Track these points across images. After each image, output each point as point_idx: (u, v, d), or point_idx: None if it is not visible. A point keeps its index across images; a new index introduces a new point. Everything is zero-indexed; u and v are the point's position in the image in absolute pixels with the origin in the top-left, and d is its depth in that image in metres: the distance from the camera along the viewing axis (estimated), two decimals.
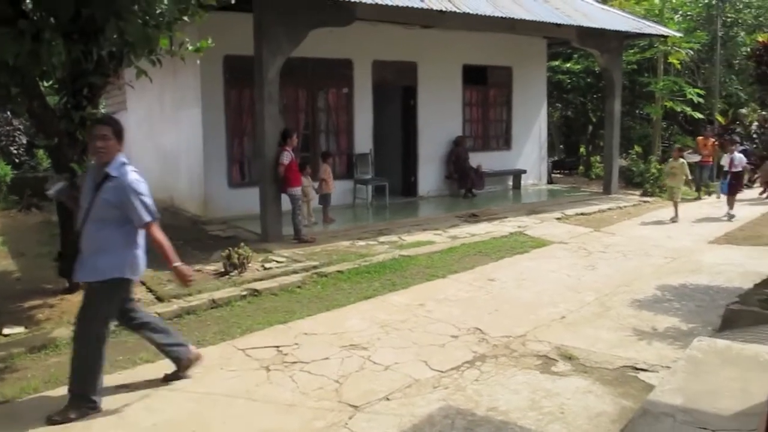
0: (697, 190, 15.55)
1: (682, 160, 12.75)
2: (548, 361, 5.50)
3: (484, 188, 15.23)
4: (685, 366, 4.35)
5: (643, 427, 3.59)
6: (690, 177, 13.19)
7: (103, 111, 15.97)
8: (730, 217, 12.33)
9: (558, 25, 12.89)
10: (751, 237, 10.54)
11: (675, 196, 12.56)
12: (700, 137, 16.35)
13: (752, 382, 3.93)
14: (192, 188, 12.64)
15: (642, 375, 5.15)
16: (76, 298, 7.22)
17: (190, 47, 7.25)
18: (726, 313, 6.14)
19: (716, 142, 15.77)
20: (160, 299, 7.28)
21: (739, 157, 12.87)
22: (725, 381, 4.01)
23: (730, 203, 12.55)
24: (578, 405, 4.64)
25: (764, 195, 14.80)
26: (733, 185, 12.76)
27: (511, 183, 16.53)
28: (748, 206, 13.65)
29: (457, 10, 11.02)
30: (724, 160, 13.33)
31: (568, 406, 4.63)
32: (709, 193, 15.63)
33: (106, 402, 4.83)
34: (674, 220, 12.17)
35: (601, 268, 8.77)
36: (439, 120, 14.85)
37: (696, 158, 15.38)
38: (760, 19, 19.85)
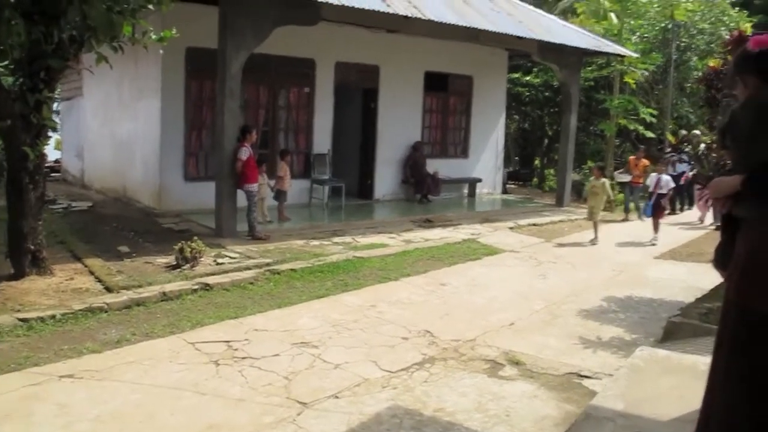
0: (626, 211, 14.98)
1: (603, 179, 12.22)
2: (496, 366, 5.59)
3: (440, 194, 15.36)
4: (627, 374, 4.48)
5: (586, 431, 3.69)
6: (612, 197, 12.65)
7: (58, 95, 15.71)
8: (653, 241, 11.91)
9: (520, 38, 13.11)
10: (695, 254, 10.86)
11: (595, 216, 11.94)
12: (632, 157, 15.86)
13: (689, 390, 4.07)
14: (146, 179, 12.46)
15: (586, 381, 5.28)
16: (22, 285, 7.10)
17: (153, 36, 7.18)
18: (667, 325, 6.34)
19: (647, 163, 15.18)
20: (109, 290, 7.17)
21: (666, 180, 12.28)
22: (664, 389, 4.15)
23: (656, 226, 12.14)
24: (524, 408, 4.74)
25: (703, 219, 14.50)
26: (658, 208, 12.24)
27: (466, 191, 16.71)
28: (685, 230, 13.67)
29: (422, 17, 11.13)
30: (650, 181, 12.73)
31: (514, 409, 4.72)
32: (640, 216, 14.90)
33: (51, 391, 4.75)
34: (594, 242, 11.65)
35: (551, 277, 8.95)
36: (399, 124, 14.95)
37: (626, 178, 15.16)
38: (712, 45, 20.43)
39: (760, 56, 2.79)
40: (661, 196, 12.16)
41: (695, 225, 14.31)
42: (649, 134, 19.06)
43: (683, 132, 15.58)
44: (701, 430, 2.91)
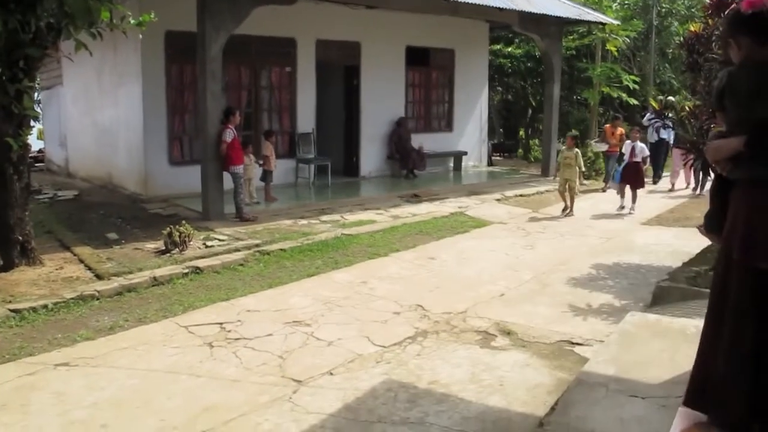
0: (605, 181, 14.53)
1: (576, 149, 11.61)
2: (488, 337, 5.66)
3: (426, 169, 15.36)
4: (617, 339, 4.54)
5: (578, 397, 3.75)
6: (583, 169, 11.98)
7: (38, 84, 15.53)
8: (622, 209, 11.70)
9: (500, 9, 13.06)
10: (681, 219, 10.97)
11: (572, 190, 11.42)
12: (608, 125, 15.26)
13: (679, 353, 4.14)
14: (131, 165, 12.39)
15: (577, 349, 5.36)
16: (12, 276, 7.08)
17: (132, 21, 7.11)
18: (656, 290, 6.42)
19: (623, 131, 14.54)
20: (99, 277, 7.17)
21: (641, 147, 11.91)
22: (655, 352, 4.21)
23: (622, 192, 11.79)
24: (517, 377, 4.80)
25: (690, 184, 14.31)
26: (631, 176, 11.73)
27: (452, 164, 16.72)
28: (668, 198, 13.52)
29: None
30: (625, 148, 12.23)
31: (507, 378, 4.79)
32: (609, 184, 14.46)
33: (46, 380, 4.77)
34: (568, 213, 11.34)
35: (539, 247, 9.01)
36: (382, 100, 14.89)
37: (604, 147, 14.59)
38: (692, 10, 20.47)
39: (752, 17, 2.79)
40: (635, 164, 11.74)
41: (673, 194, 14.10)
42: (633, 101, 19.12)
43: (660, 98, 15.52)
44: (698, 394, 2.94)
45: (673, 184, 14.60)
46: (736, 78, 2.84)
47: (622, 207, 11.72)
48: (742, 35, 2.84)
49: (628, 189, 11.84)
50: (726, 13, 3.05)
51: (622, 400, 3.66)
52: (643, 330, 4.63)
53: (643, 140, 15.13)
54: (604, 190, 14.06)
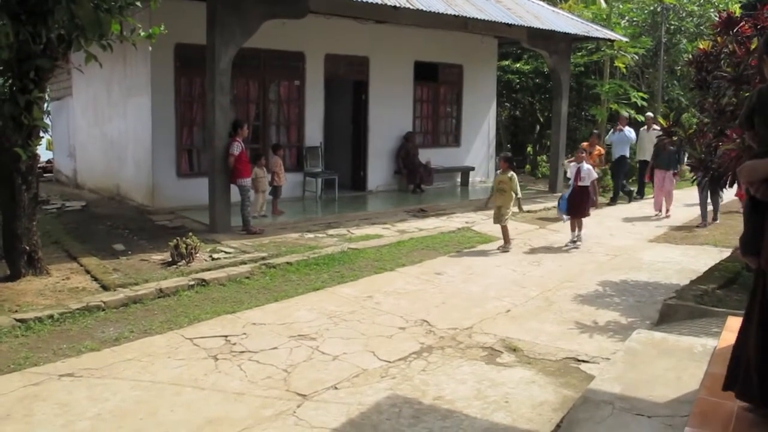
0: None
1: (512, 173, 9.91)
2: (493, 353, 5.63)
3: (433, 184, 15.37)
4: (623, 357, 4.51)
5: (584, 415, 3.72)
6: (519, 195, 10.00)
7: (48, 96, 15.64)
8: (574, 243, 10.11)
9: (509, 26, 13.10)
10: (688, 237, 10.91)
11: (502, 218, 9.73)
12: (585, 143, 13.75)
13: (686, 371, 4.11)
14: (139, 177, 12.44)
15: (583, 366, 5.32)
16: (18, 286, 7.10)
17: (142, 33, 7.16)
18: (663, 308, 6.38)
19: (602, 151, 13.55)
20: (105, 288, 7.17)
21: (587, 169, 10.13)
22: (661, 371, 4.18)
23: (573, 225, 10.23)
24: (522, 394, 4.77)
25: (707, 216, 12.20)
26: (577, 203, 10.12)
27: (459, 180, 16.72)
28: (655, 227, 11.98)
29: (411, 7, 11.11)
30: (570, 172, 10.61)
31: (513, 395, 4.76)
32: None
33: (51, 391, 4.77)
34: (504, 248, 9.65)
35: (545, 264, 8.98)
36: (390, 115, 14.93)
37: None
38: (701, 27, 20.48)
39: None
40: (581, 190, 10.10)
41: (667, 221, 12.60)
42: (641, 118, 19.09)
43: (649, 114, 15.28)
44: (731, 380, 2.97)
45: (660, 210, 13.09)
46: (766, 96, 2.82)
47: (573, 241, 10.15)
48: None
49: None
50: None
51: (628, 418, 3.63)
52: (650, 348, 4.60)
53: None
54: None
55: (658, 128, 15.27)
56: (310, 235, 10.12)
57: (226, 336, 5.95)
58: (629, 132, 14.75)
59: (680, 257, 9.38)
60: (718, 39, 6.77)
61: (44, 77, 7.11)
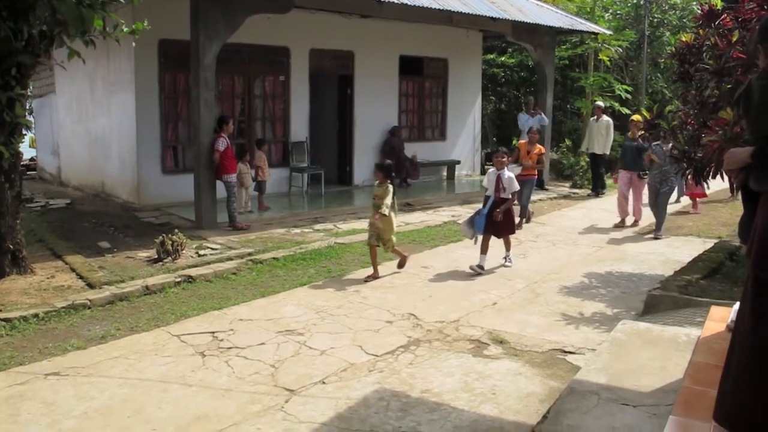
0: (521, 215, 10.95)
1: (388, 184, 7.84)
2: (480, 345, 5.65)
3: (419, 178, 15.39)
4: (609, 347, 4.55)
5: (570, 405, 3.75)
6: (386, 212, 7.70)
7: (31, 93, 15.50)
8: (481, 269, 8.02)
9: (494, 19, 13.11)
10: (672, 228, 10.98)
11: (387, 244, 7.87)
12: (522, 141, 11.87)
13: (670, 361, 4.15)
14: (124, 174, 12.37)
15: (569, 357, 5.36)
16: (3, 285, 7.05)
17: (125, 29, 7.09)
18: (648, 299, 6.43)
19: (543, 150, 11.45)
20: (91, 286, 7.14)
21: (509, 178, 8.29)
22: (646, 361, 4.22)
23: (485, 246, 8.14)
24: (509, 386, 4.80)
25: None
26: (497, 220, 8.09)
27: (445, 173, 16.74)
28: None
29: (395, 1, 11.10)
30: (486, 181, 8.58)
31: (500, 387, 4.79)
32: (527, 219, 11.35)
33: (37, 390, 4.75)
34: (368, 278, 7.72)
35: (531, 256, 9.03)
36: (375, 109, 14.92)
37: (516, 171, 10.50)
38: (684, 20, 20.58)
39: None
40: (502, 201, 8.23)
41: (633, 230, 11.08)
42: (625, 110, 19.20)
43: (598, 103, 15.03)
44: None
45: (625, 219, 11.27)
46: (751, 88, 2.85)
47: (480, 267, 8.06)
48: (766, 44, 2.85)
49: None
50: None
51: (614, 408, 3.66)
52: (635, 338, 4.64)
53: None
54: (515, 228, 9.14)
55: (608, 117, 14.62)
56: (297, 231, 10.11)
57: (213, 332, 5.94)
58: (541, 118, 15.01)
59: (664, 248, 9.46)
60: (701, 32, 6.81)
61: (26, 74, 7.04)
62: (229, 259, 8.29)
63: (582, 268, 8.34)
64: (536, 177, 11.55)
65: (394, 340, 5.76)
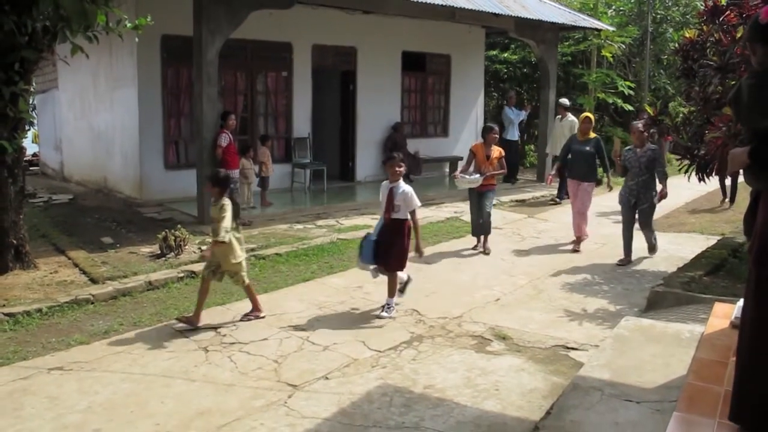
0: (474, 233, 9.23)
1: (224, 201, 5.98)
2: (483, 341, 5.66)
3: (422, 174, 15.36)
4: (612, 344, 4.55)
5: (573, 401, 3.76)
6: (219, 237, 5.86)
7: (34, 88, 15.50)
8: (386, 309, 6.30)
9: (496, 15, 13.09)
10: (675, 224, 10.98)
11: (207, 269, 6.10)
12: (478, 143, 9.38)
13: (674, 357, 4.16)
14: (127, 170, 12.37)
15: (572, 353, 5.36)
16: (6, 280, 7.06)
17: (128, 24, 7.09)
18: (651, 295, 6.43)
19: (501, 153, 9.08)
20: (94, 281, 7.15)
21: (403, 193, 6.32)
22: (649, 357, 4.22)
23: (392, 288, 6.35)
24: (512, 382, 4.81)
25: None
26: (386, 247, 6.31)
27: (447, 169, 16.70)
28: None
29: None
30: (382, 195, 6.54)
31: (503, 383, 4.79)
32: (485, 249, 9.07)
33: (40, 384, 4.76)
34: (183, 320, 6.00)
35: (534, 253, 9.02)
36: (378, 105, 14.89)
37: (477, 181, 8.94)
38: (687, 16, 20.54)
39: (767, 28, 2.81)
40: (396, 225, 6.36)
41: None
42: (628, 107, 19.18)
43: (563, 100, 14.41)
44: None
45: (580, 238, 9.34)
46: (741, 88, 2.86)
47: (389, 306, 6.33)
48: (757, 42, 2.86)
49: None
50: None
51: (617, 404, 3.67)
52: (638, 335, 4.64)
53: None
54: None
55: (573, 117, 12.79)
56: (299, 226, 10.11)
57: (216, 328, 5.95)
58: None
59: (667, 245, 9.43)
60: (704, 28, 6.79)
61: (30, 69, 7.05)
62: None
63: (584, 264, 8.33)
64: (494, 186, 9.27)
65: (397, 336, 5.77)
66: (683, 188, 12.38)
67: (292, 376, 4.91)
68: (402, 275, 6.63)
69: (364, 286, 7.29)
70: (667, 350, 4.30)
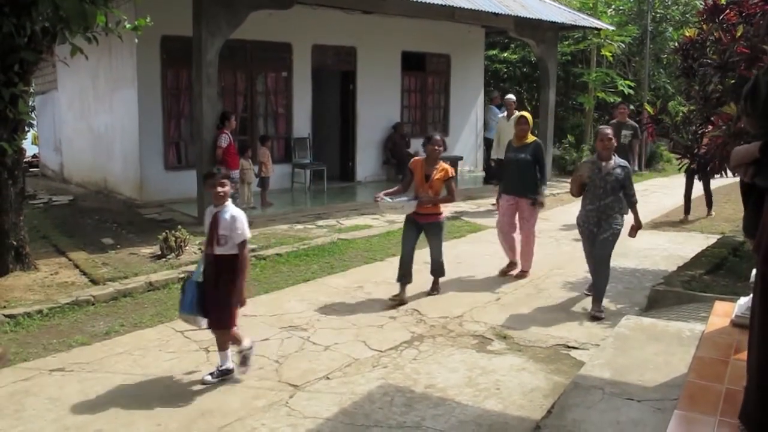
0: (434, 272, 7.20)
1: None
2: (484, 341, 5.66)
3: None
4: (613, 343, 4.55)
5: (575, 400, 3.76)
6: None
7: (33, 89, 15.50)
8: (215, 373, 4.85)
9: (496, 15, 13.09)
10: (675, 223, 10.97)
11: None
12: (418, 158, 7.47)
13: (674, 356, 4.16)
14: (127, 171, 12.37)
15: (573, 352, 5.36)
16: (6, 281, 7.06)
17: (127, 25, 7.10)
18: (651, 294, 6.44)
19: (448, 172, 7.04)
20: (94, 282, 7.15)
21: (232, 219, 4.99)
22: (650, 356, 4.23)
23: (222, 342, 4.86)
24: (513, 381, 4.81)
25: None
26: (211, 292, 4.78)
27: None
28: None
29: None
30: (206, 220, 5.13)
31: (504, 382, 4.79)
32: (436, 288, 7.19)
33: (42, 386, 4.75)
34: None
35: (535, 252, 8.99)
36: (378, 105, 14.90)
37: (402, 209, 7.04)
38: (687, 15, 20.54)
39: None
40: (221, 262, 4.84)
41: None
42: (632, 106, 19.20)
43: (509, 96, 13.49)
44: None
45: (514, 263, 7.88)
46: (758, 83, 2.84)
47: (220, 368, 4.87)
48: None
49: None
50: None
51: (618, 403, 3.67)
52: (639, 334, 4.65)
53: None
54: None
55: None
56: (300, 227, 10.11)
57: None
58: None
59: (667, 243, 9.44)
60: (704, 26, 6.79)
61: (29, 70, 7.05)
62: None
63: (585, 264, 8.31)
64: (442, 218, 7.11)
65: (398, 336, 5.77)
66: (682, 188, 12.37)
67: (293, 376, 4.91)
68: (244, 340, 4.85)
69: (364, 286, 7.30)
70: (668, 349, 4.31)
